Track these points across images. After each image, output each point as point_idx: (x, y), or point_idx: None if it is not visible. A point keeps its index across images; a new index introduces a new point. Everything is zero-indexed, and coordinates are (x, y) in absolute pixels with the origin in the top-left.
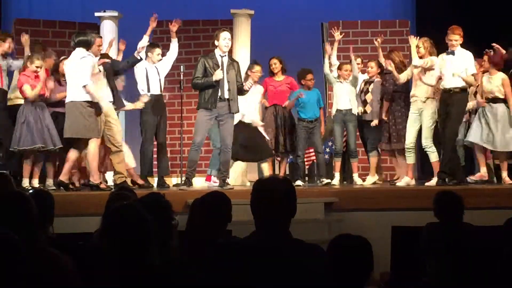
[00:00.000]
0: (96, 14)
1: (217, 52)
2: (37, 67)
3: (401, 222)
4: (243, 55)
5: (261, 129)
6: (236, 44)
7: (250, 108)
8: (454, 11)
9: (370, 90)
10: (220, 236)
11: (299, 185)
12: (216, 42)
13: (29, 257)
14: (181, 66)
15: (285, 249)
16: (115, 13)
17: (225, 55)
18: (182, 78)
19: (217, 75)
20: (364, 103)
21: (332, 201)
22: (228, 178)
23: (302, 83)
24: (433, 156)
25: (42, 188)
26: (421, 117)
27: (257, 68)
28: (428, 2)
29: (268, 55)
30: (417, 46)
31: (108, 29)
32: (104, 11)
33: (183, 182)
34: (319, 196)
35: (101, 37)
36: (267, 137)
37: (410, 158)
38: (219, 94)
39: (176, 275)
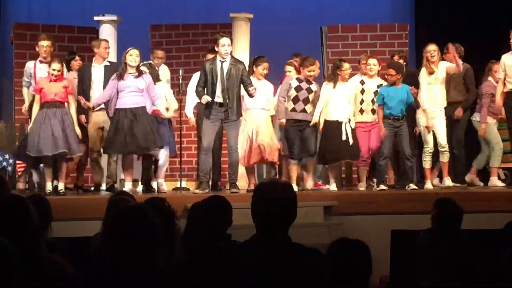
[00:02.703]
0: (95, 18)
1: (218, 57)
2: (53, 69)
3: (400, 225)
4: (242, 59)
5: (348, 128)
6: (235, 48)
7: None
8: (453, 15)
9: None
10: (220, 240)
11: (384, 189)
12: (216, 48)
13: (29, 262)
14: (180, 70)
15: (285, 253)
16: (114, 17)
17: (225, 60)
18: (181, 82)
19: (203, 99)
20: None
21: (332, 205)
22: (236, 181)
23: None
24: (446, 157)
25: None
26: (436, 119)
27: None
28: (427, 5)
29: (267, 58)
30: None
31: (107, 33)
32: (103, 15)
33: (197, 186)
34: (318, 200)
35: (106, 40)
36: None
37: (446, 156)
38: (215, 100)
39: (179, 278)
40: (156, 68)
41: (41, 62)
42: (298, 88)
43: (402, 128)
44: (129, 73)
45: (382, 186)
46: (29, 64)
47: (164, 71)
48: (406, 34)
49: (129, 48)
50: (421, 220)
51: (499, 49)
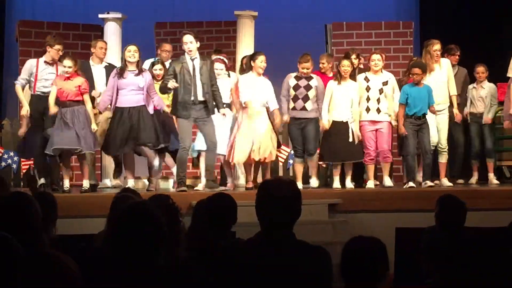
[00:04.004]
0: (100, 16)
1: (186, 55)
2: (64, 66)
3: (405, 223)
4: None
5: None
6: (239, 45)
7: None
8: (457, 12)
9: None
10: (225, 238)
11: (413, 186)
12: (183, 46)
13: (32, 259)
14: None
15: (289, 251)
16: (119, 15)
17: (196, 57)
18: None
19: (170, 84)
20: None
21: (336, 202)
22: (214, 177)
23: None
24: (445, 158)
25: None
26: (438, 119)
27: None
28: (432, 3)
29: (272, 56)
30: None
31: (112, 31)
32: (108, 13)
33: (178, 185)
34: (323, 198)
35: (104, 41)
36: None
37: (445, 157)
38: (192, 99)
39: (183, 276)
40: (164, 63)
41: (46, 63)
42: (296, 87)
43: (423, 126)
44: (129, 71)
45: (411, 184)
46: (32, 62)
47: None
48: (411, 32)
49: (127, 45)
50: (425, 218)
51: (503, 46)
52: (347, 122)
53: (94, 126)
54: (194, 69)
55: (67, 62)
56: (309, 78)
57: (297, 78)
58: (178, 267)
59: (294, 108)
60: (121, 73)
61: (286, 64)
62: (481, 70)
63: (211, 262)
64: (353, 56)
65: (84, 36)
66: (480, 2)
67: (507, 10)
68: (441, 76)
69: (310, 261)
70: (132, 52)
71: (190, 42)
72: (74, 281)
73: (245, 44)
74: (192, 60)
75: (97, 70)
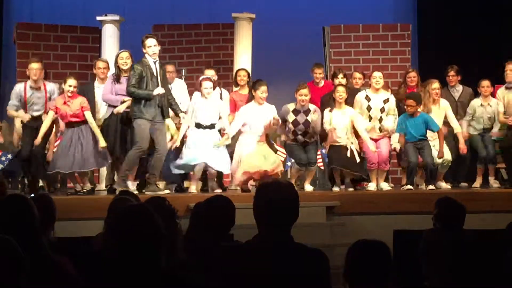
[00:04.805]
0: (98, 18)
1: (150, 59)
2: (70, 86)
3: (403, 225)
4: (244, 59)
5: (353, 147)
6: (237, 48)
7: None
8: (455, 15)
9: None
10: (223, 240)
11: (411, 189)
12: (143, 50)
13: (32, 262)
14: (183, 70)
15: (287, 254)
16: (117, 17)
17: (157, 60)
18: (183, 81)
19: (158, 90)
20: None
21: (334, 205)
22: (158, 181)
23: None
24: (445, 168)
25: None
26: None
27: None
28: (429, 6)
29: (270, 59)
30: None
31: (110, 33)
32: (106, 15)
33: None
34: (321, 200)
35: (104, 60)
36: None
37: (446, 168)
38: (157, 102)
39: (182, 278)
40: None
41: (31, 88)
42: (295, 123)
43: (424, 144)
44: (124, 77)
45: (409, 186)
46: (20, 87)
47: (181, 85)
48: (409, 34)
49: (119, 51)
50: (423, 220)
51: (502, 49)
52: (346, 145)
53: (103, 144)
54: (156, 71)
55: (72, 82)
56: (307, 112)
57: (295, 112)
58: (177, 270)
59: (294, 140)
60: (117, 78)
61: (283, 67)
62: (486, 84)
63: (209, 264)
64: (340, 76)
65: (82, 38)
66: (479, 5)
67: (506, 12)
68: (438, 118)
69: (308, 263)
70: (125, 60)
71: (154, 45)
72: (73, 283)
73: (243, 46)
74: (154, 63)
75: (99, 91)
